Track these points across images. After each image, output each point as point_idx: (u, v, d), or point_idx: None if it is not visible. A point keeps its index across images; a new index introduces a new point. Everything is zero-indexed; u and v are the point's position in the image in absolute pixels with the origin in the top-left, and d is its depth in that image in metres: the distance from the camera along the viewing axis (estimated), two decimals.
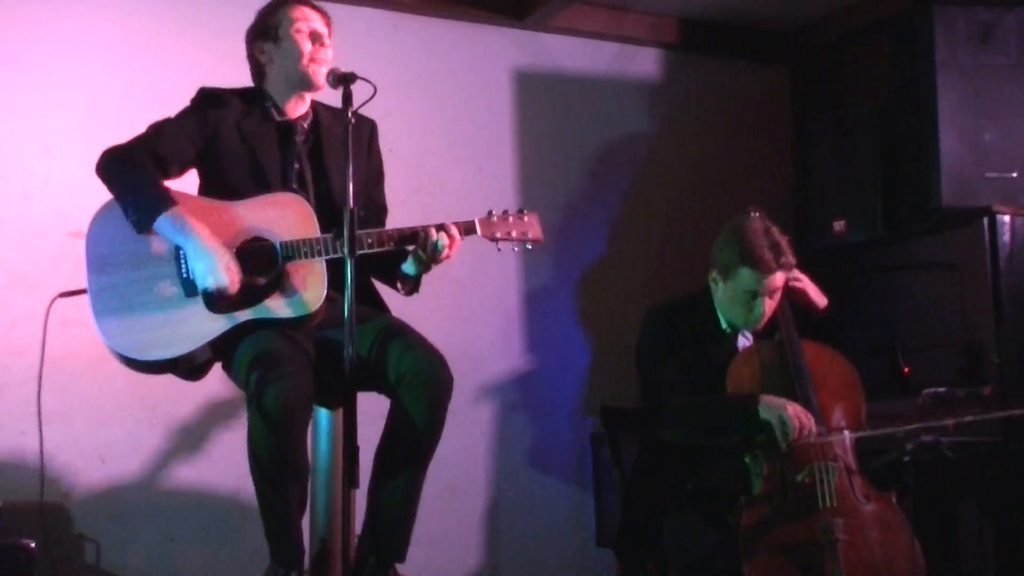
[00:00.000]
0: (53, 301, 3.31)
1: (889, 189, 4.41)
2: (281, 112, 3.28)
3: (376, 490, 3.09)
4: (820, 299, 3.54)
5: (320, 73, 3.21)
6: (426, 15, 4.73)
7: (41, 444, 3.60)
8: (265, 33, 3.30)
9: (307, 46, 3.22)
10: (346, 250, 2.78)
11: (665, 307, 3.59)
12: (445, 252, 3.09)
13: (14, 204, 4.08)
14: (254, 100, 3.29)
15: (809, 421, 3.20)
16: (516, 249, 3.25)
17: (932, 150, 4.08)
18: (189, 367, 3.09)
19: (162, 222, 3.00)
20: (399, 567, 3.10)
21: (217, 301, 2.98)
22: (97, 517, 4.04)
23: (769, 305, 3.39)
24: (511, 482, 4.73)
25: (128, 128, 4.13)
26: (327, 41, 3.25)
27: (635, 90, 5.13)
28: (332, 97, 3.22)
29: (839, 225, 4.55)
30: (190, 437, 4.21)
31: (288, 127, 3.26)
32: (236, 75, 4.28)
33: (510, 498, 4.72)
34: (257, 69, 3.34)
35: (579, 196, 4.97)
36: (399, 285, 3.28)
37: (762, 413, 3.21)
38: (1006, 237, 4.00)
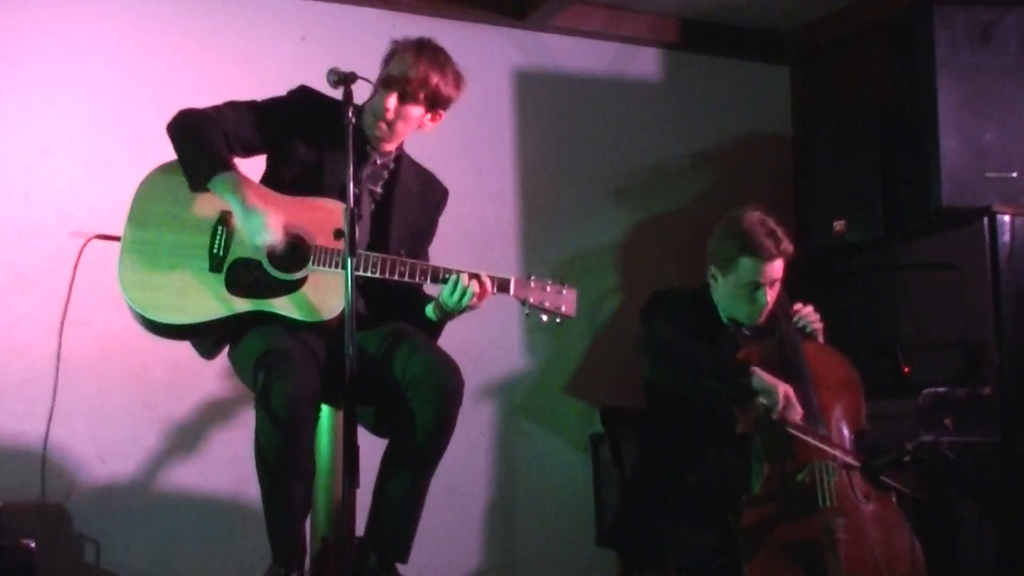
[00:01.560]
0: (88, 241, 3.37)
1: (889, 189, 4.40)
2: (367, 139, 3.25)
3: (381, 490, 3.09)
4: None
5: (387, 136, 3.19)
6: (426, 15, 4.73)
7: (45, 440, 3.62)
8: (384, 65, 3.23)
9: (393, 102, 3.13)
10: (346, 250, 2.78)
11: (672, 291, 3.60)
12: (472, 300, 3.07)
13: (14, 204, 4.07)
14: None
15: (796, 405, 3.19)
16: (545, 319, 3.17)
17: (932, 150, 4.07)
18: (198, 340, 3.14)
19: (219, 180, 3.03)
20: (400, 567, 3.10)
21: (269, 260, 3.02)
22: (97, 517, 4.04)
23: (771, 295, 3.40)
24: (511, 482, 4.73)
25: (128, 128, 4.17)
26: (395, 105, 3.15)
27: (635, 90, 5.13)
28: (419, 150, 3.27)
29: (839, 225, 4.55)
30: (190, 437, 4.21)
31: (364, 154, 3.24)
32: (236, 75, 4.32)
33: (510, 498, 4.72)
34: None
35: (579, 196, 4.97)
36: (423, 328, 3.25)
37: (756, 383, 3.19)
38: (1006, 237, 4.00)
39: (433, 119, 3.25)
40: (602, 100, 5.06)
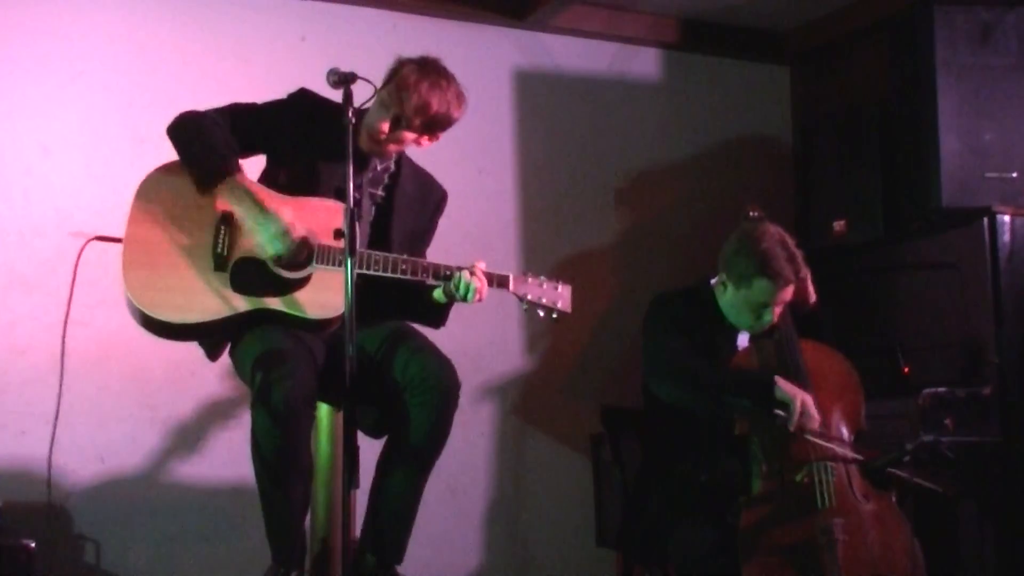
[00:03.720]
0: (87, 242, 3.38)
1: (889, 189, 4.40)
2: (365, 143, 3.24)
3: (378, 491, 3.09)
4: (812, 294, 3.54)
5: (380, 153, 3.20)
6: (426, 15, 4.73)
7: (52, 442, 3.62)
8: (389, 77, 3.18)
9: (387, 126, 3.11)
10: (346, 249, 2.78)
11: (672, 293, 3.59)
12: (476, 297, 3.09)
13: (14, 204, 4.08)
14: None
15: (814, 414, 3.21)
16: (541, 315, 3.21)
17: (932, 150, 4.08)
18: (203, 340, 3.13)
19: (229, 184, 3.03)
20: (398, 568, 3.10)
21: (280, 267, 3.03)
22: (97, 517, 4.04)
23: (777, 312, 3.39)
24: (511, 482, 4.73)
25: (128, 128, 4.17)
26: (388, 129, 3.12)
27: (635, 90, 5.13)
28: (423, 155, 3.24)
29: (839, 225, 4.55)
30: (190, 437, 4.21)
31: (364, 158, 3.23)
32: (235, 75, 4.32)
33: (510, 498, 4.72)
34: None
35: (578, 196, 4.97)
36: (429, 317, 3.28)
37: (778, 393, 3.20)
38: (1006, 237, 4.00)
39: (430, 140, 3.24)
40: (602, 100, 5.06)
